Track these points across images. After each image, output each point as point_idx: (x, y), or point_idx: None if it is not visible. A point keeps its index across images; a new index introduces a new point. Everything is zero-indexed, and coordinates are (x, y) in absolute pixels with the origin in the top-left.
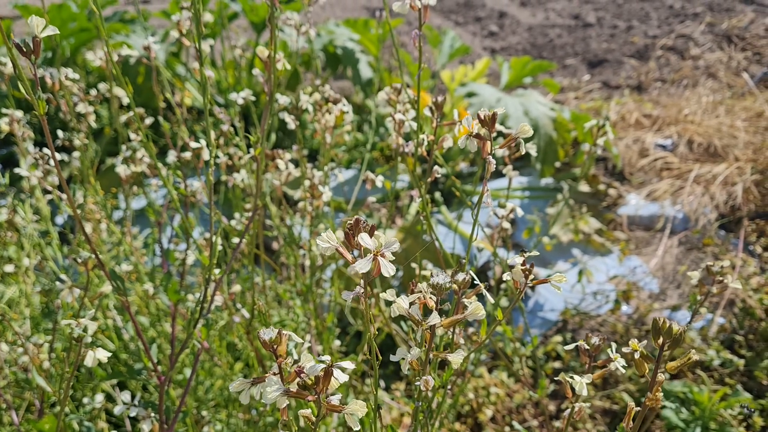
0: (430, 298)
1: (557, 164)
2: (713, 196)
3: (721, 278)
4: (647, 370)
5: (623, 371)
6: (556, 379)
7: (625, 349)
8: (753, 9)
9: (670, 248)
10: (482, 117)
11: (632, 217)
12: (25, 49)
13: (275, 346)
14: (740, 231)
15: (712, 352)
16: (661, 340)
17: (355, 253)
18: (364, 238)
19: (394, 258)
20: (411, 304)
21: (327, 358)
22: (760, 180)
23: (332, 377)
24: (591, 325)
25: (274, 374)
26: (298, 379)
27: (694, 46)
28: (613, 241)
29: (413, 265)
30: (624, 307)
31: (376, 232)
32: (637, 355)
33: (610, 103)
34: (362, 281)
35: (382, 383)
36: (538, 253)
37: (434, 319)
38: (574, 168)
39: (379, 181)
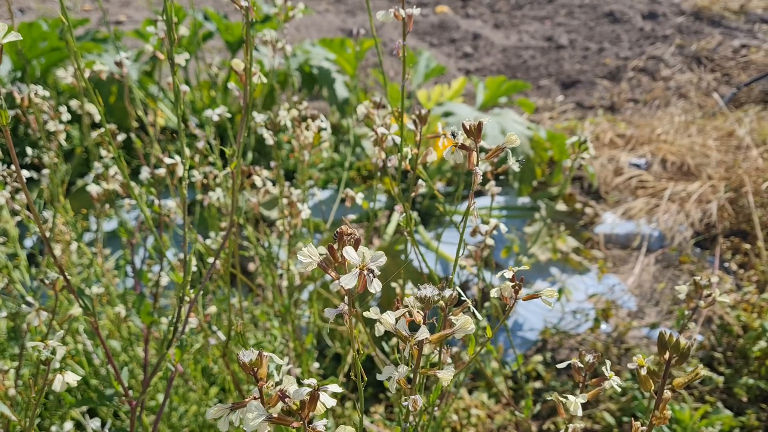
0: (418, 312)
1: (534, 183)
2: (688, 213)
3: (708, 293)
4: (653, 387)
5: (618, 389)
6: (541, 399)
7: (630, 365)
8: (720, 32)
9: (647, 266)
10: (468, 127)
11: (609, 235)
12: None
13: (255, 369)
14: (716, 248)
15: (691, 369)
16: (667, 355)
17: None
18: (349, 252)
19: (380, 273)
20: (397, 319)
21: (312, 381)
22: (734, 198)
23: (318, 401)
24: (570, 344)
25: (255, 399)
26: (281, 404)
27: (664, 68)
28: (591, 259)
29: (392, 284)
30: (603, 326)
31: (360, 246)
32: (643, 371)
33: (585, 122)
34: (346, 298)
35: None
36: (527, 268)
37: (423, 333)
38: (551, 187)
39: (359, 198)
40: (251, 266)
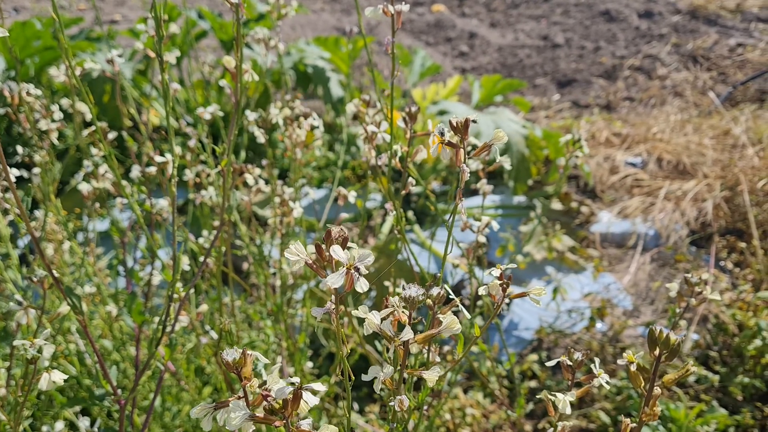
0: (403, 312)
1: (530, 182)
2: (684, 212)
3: (699, 290)
4: (642, 384)
5: (607, 387)
6: (536, 398)
7: (620, 362)
8: (716, 30)
9: (642, 265)
10: (455, 124)
11: (605, 234)
12: None
13: (239, 368)
14: (711, 247)
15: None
16: (657, 351)
17: (328, 271)
18: (336, 251)
19: (368, 272)
20: (383, 319)
21: (296, 379)
22: (730, 196)
23: (302, 400)
24: (566, 343)
25: (239, 398)
26: (264, 403)
27: (660, 66)
28: (587, 258)
29: (386, 283)
30: (599, 325)
31: (349, 245)
32: (633, 368)
33: (580, 121)
34: (333, 297)
35: (356, 406)
36: (516, 265)
37: (407, 334)
38: (547, 186)
39: (352, 197)
40: (245, 265)
